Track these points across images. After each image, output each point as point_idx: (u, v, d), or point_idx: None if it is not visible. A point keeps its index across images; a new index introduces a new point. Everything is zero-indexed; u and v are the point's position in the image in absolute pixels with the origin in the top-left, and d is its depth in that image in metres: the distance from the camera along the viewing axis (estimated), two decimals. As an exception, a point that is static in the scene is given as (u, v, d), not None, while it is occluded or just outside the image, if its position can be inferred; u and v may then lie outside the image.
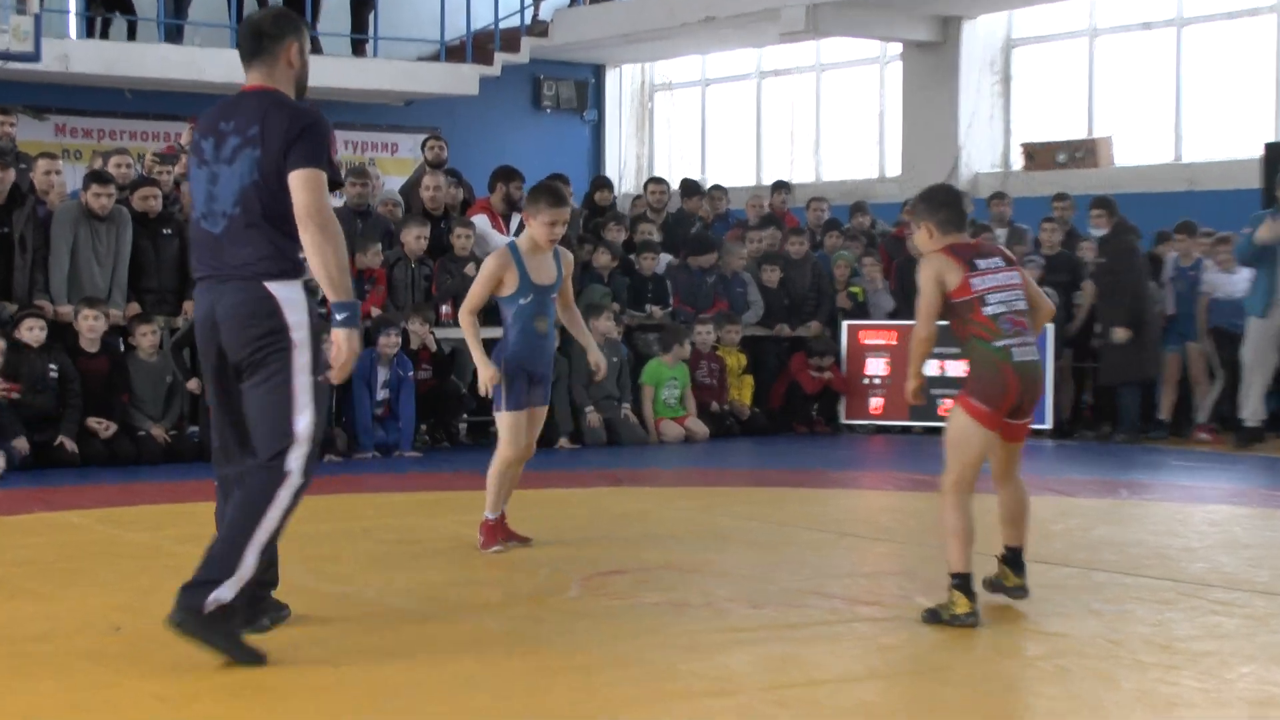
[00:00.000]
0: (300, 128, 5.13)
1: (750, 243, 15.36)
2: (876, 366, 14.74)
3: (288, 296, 5.12)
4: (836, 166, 20.93)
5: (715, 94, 22.61)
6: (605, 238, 14.35)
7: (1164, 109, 17.55)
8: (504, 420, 7.46)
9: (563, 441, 12.93)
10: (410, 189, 14.44)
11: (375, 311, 12.54)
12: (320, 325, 5.16)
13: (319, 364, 5.13)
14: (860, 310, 15.10)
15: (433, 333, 12.67)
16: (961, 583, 5.85)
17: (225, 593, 4.99)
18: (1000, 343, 5.94)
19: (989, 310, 5.97)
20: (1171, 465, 12.13)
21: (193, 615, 4.97)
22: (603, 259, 14.00)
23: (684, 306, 14.46)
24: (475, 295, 7.48)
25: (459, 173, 14.74)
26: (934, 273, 6.03)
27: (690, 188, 16.32)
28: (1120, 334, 13.42)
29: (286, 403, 5.09)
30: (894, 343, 14.66)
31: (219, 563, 5.02)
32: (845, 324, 14.94)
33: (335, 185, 5.30)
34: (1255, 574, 7.05)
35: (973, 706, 4.74)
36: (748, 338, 14.74)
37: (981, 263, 6.03)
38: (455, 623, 5.88)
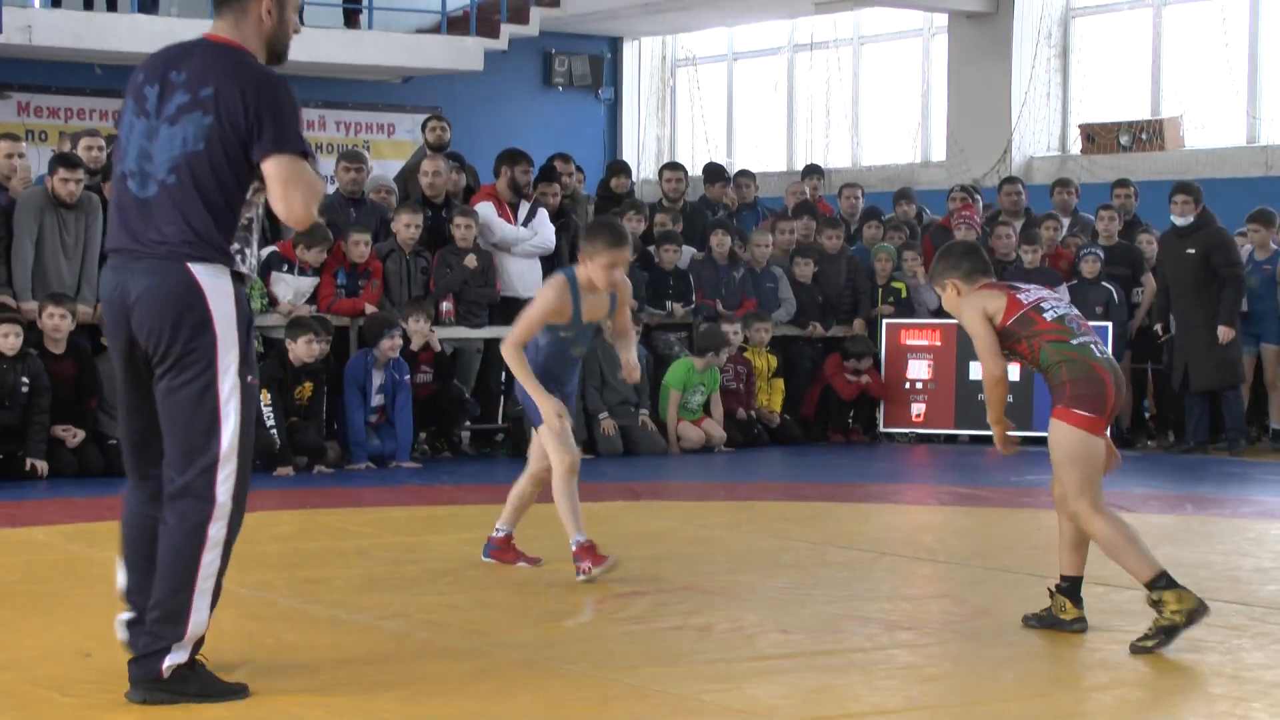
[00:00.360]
0: (271, 100, 4.86)
1: (781, 233, 15.38)
2: (919, 369, 14.76)
3: (214, 284, 4.89)
4: (876, 150, 20.97)
5: (743, 70, 22.66)
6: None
7: (1238, 86, 17.56)
8: (547, 431, 7.43)
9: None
10: (408, 174, 14.49)
11: (370, 309, 12.59)
12: (251, 319, 4.99)
13: (248, 363, 4.94)
14: (903, 309, 15.11)
15: (432, 332, 12.70)
16: (1165, 582, 5.94)
17: (179, 656, 4.90)
18: (1078, 340, 6.07)
19: (1050, 315, 6.09)
20: (1243, 477, 12.14)
21: (152, 684, 4.91)
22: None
23: (708, 302, 14.48)
24: (528, 329, 7.33)
25: (461, 157, 14.80)
26: (978, 310, 6.18)
27: (713, 173, 16.35)
28: (1226, 333, 13.38)
29: (208, 412, 4.87)
30: (938, 343, 14.68)
31: (165, 625, 4.88)
32: (885, 323, 14.96)
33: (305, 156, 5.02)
34: (1335, 598, 7.07)
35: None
36: (778, 338, 14.77)
37: (1021, 284, 6.33)
38: (458, 650, 5.92)
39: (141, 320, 4.90)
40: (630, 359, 7.69)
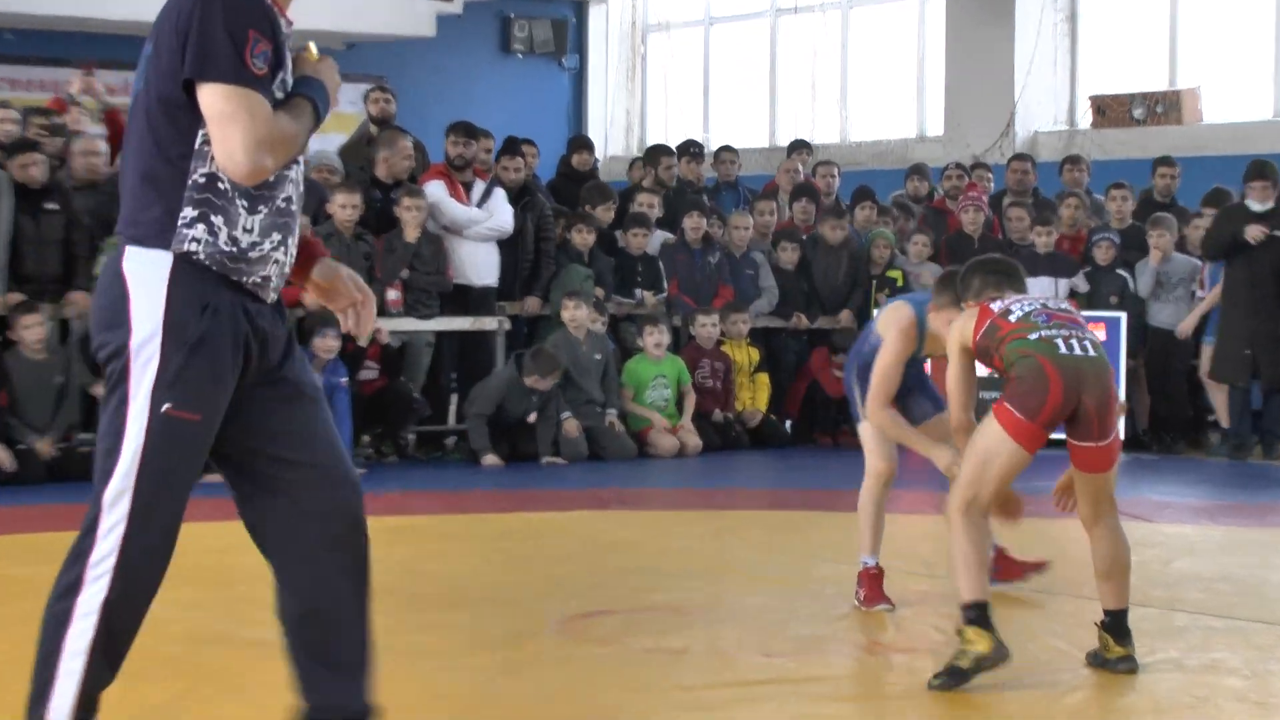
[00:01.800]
0: (204, 14, 4.11)
1: (760, 215, 15.39)
2: (915, 365, 14.76)
3: (141, 275, 4.14)
4: (867, 124, 20.99)
5: (721, 36, 22.67)
6: (587, 210, 14.37)
7: (1262, 55, 17.62)
8: (866, 431, 7.31)
9: (550, 459, 12.87)
10: (351, 150, 14.45)
11: (310, 300, 12.53)
12: (201, 325, 4.14)
13: (175, 386, 4.11)
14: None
15: (378, 324, 12.68)
16: (977, 614, 5.74)
17: None
18: (1036, 335, 5.87)
19: (1017, 314, 5.95)
20: (1270, 482, 12.20)
21: None
22: (583, 236, 14.03)
23: (682, 296, 14.49)
24: (891, 382, 7.08)
25: (408, 133, 14.77)
26: (956, 337, 6.14)
27: (683, 148, 16.35)
28: None
29: (107, 443, 4.16)
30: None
31: (30, 706, 4.24)
32: (877, 313, 14.94)
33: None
34: (1369, 616, 7.11)
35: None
36: (760, 330, 14.78)
37: (1002, 297, 6.19)
38: (409, 675, 5.91)
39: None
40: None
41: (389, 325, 12.84)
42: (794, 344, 15.09)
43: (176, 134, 4.15)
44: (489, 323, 13.50)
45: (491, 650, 6.32)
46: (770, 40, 22.02)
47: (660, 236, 14.76)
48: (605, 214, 14.40)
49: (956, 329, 6.15)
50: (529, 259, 13.90)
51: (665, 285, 14.45)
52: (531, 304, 13.87)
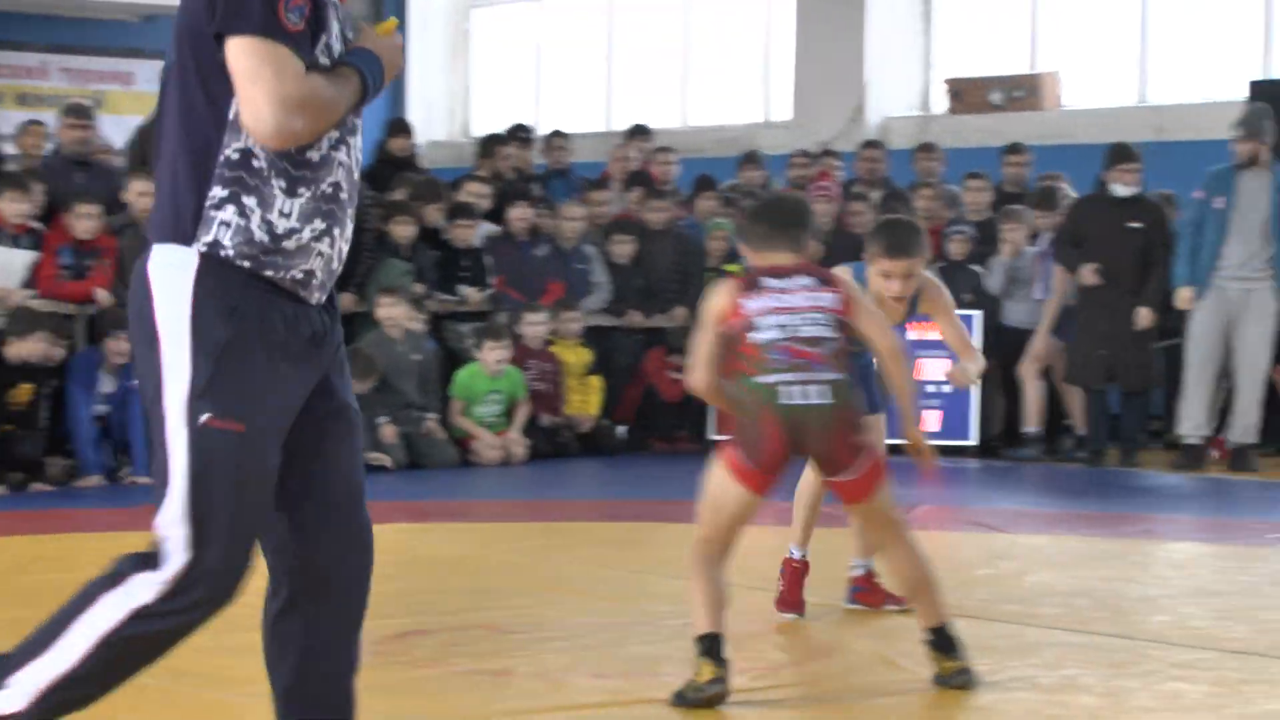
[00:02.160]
0: None
1: (594, 205, 15.43)
2: (757, 367, 14.86)
3: (164, 279, 4.01)
4: (710, 109, 21.07)
5: (553, 12, 22.68)
6: (405, 201, 14.34)
7: (1126, 39, 17.90)
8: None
9: (375, 456, 12.73)
10: (145, 134, 14.33)
11: (103, 295, 12.43)
12: (229, 329, 3.98)
13: (211, 397, 3.97)
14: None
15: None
16: (708, 646, 5.86)
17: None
18: (762, 379, 5.88)
19: (757, 336, 5.93)
20: (1129, 489, 12.42)
21: None
22: (402, 228, 14.00)
23: (508, 290, 14.50)
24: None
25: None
26: (711, 305, 6.14)
27: (511, 134, 16.35)
28: (1149, 317, 13.53)
29: (159, 465, 4.05)
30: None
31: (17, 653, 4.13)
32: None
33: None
34: (1227, 629, 7.27)
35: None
36: (592, 329, 14.81)
37: (772, 280, 6.06)
38: (204, 703, 5.89)
39: None
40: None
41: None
42: (628, 344, 15.12)
43: (207, 104, 4.00)
44: (299, 321, 13.40)
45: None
46: (607, 17, 22.06)
47: (487, 228, 14.76)
48: (434, 214, 14.37)
49: (712, 302, 6.13)
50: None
51: (490, 280, 14.45)
52: (345, 300, 13.81)
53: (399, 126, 16.29)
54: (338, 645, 4.33)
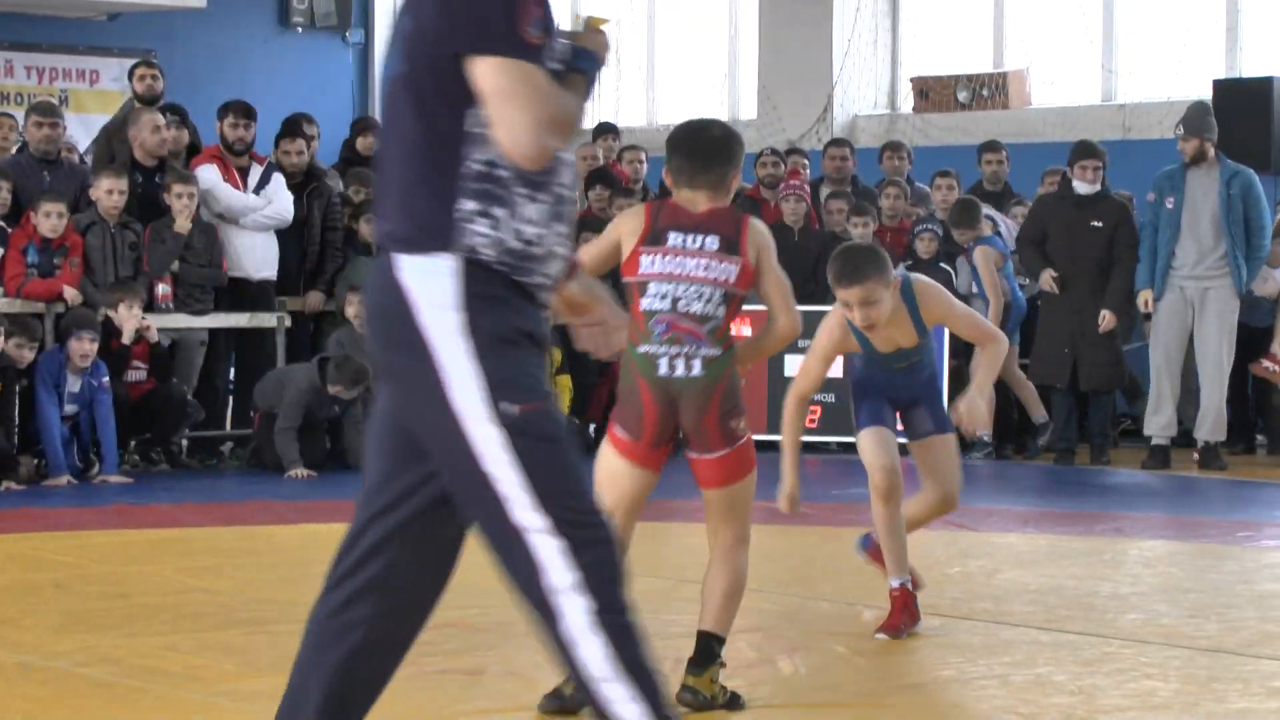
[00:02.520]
0: None
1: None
2: (727, 365, 14.86)
3: (425, 288, 3.92)
4: (676, 107, 21.07)
5: (518, 10, 22.66)
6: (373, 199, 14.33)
7: (1092, 36, 17.93)
8: (860, 441, 7.05)
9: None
10: (112, 132, 14.27)
11: (71, 294, 12.38)
12: (502, 323, 3.96)
13: (507, 387, 3.93)
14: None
15: (146, 321, 12.51)
16: None
17: None
18: (643, 348, 5.78)
19: (645, 303, 5.81)
20: (1098, 489, 12.45)
21: None
22: (370, 226, 13.94)
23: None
24: (806, 377, 6.99)
25: (184, 111, 14.62)
26: (622, 224, 5.97)
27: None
28: (1111, 321, 13.55)
29: (469, 474, 3.96)
30: (748, 333, 14.79)
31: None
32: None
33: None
34: (1197, 627, 7.30)
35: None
36: (561, 329, 14.75)
37: (675, 236, 5.83)
38: (179, 701, 5.87)
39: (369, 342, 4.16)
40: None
41: (158, 322, 12.69)
42: (598, 342, 15.11)
43: (448, 118, 3.93)
44: (268, 319, 13.39)
45: (266, 674, 6.27)
46: (571, 15, 22.05)
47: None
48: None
49: (619, 224, 6.00)
50: (314, 250, 13.82)
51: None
52: (314, 299, 13.77)
53: (366, 124, 16.23)
54: (392, 655, 4.31)
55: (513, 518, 3.90)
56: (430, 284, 3.89)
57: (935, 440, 6.84)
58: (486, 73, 3.84)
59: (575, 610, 3.93)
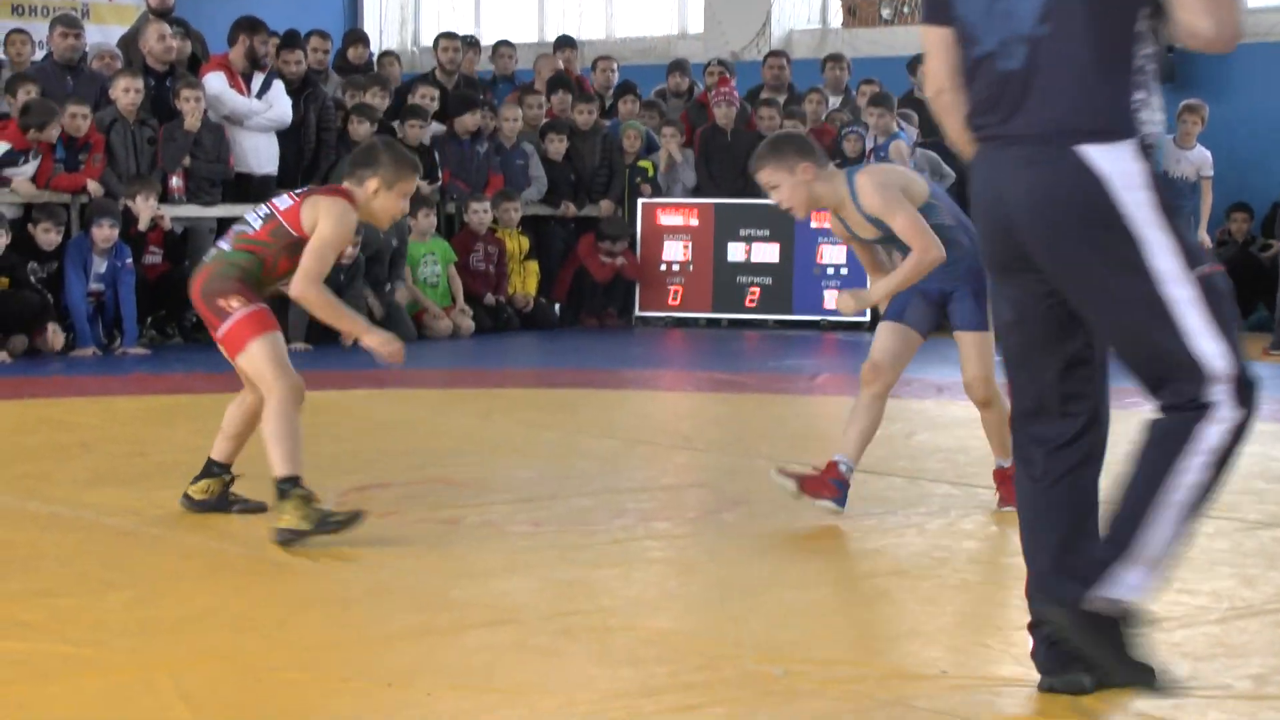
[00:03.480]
0: None
1: (529, 108, 15.34)
2: (675, 251, 14.87)
3: (1120, 171, 4.00)
4: (631, 21, 20.93)
5: (492, -67, 22.40)
6: (362, 103, 14.19)
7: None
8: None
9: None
10: (128, 42, 14.14)
11: (94, 187, 12.30)
12: (1170, 195, 4.09)
13: (1192, 253, 4.03)
14: (655, 188, 15.20)
15: (160, 210, 12.48)
16: (293, 485, 5.85)
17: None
18: (214, 248, 6.31)
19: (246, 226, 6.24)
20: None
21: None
22: (360, 128, 13.85)
23: (456, 181, 14.42)
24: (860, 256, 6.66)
25: (186, 22, 14.46)
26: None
27: (465, 41, 16.19)
28: None
29: (1158, 323, 4.03)
30: (695, 223, 14.79)
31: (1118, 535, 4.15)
32: (641, 203, 15.03)
33: None
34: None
35: (782, 632, 4.85)
36: (529, 218, 14.76)
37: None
38: (191, 547, 5.85)
39: (1032, 226, 4.11)
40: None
41: (171, 212, 12.68)
42: (562, 231, 15.13)
43: (1125, 19, 3.99)
44: (269, 210, 13.30)
45: (269, 523, 6.26)
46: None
47: (435, 127, 14.67)
48: (381, 99, 14.24)
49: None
50: (310, 148, 13.79)
51: (440, 174, 14.37)
52: (313, 195, 13.69)
53: (355, 36, 16.13)
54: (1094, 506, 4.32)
55: (1193, 348, 4.02)
56: (1123, 168, 4.00)
57: (960, 336, 6.56)
58: None
59: (1223, 427, 4.05)
